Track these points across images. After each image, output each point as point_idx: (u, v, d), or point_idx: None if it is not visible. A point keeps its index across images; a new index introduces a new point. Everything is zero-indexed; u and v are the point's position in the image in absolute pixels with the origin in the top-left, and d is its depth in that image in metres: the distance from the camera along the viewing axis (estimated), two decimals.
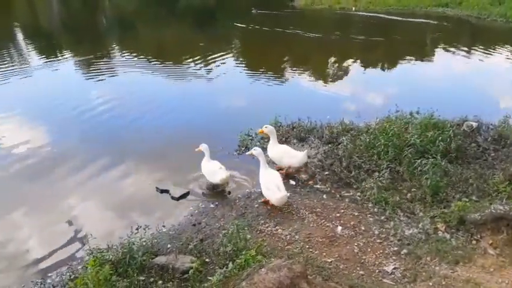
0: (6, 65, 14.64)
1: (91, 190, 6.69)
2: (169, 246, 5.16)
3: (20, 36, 21.81)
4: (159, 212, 6.04)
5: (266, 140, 7.86)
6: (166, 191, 6.44)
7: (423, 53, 17.14)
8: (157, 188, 6.53)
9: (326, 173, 6.86)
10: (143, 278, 4.46)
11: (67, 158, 7.67)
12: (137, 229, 5.54)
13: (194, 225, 5.61)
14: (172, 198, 6.32)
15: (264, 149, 6.81)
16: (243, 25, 21.45)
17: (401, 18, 24.73)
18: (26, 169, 7.37)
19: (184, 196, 6.36)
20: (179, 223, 5.70)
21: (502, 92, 11.94)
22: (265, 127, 6.94)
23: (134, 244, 4.81)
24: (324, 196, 6.17)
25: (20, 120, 9.59)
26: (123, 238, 5.05)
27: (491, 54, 16.94)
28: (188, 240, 5.08)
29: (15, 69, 14.17)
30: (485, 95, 11.85)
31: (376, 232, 5.21)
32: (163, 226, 5.61)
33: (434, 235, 5.06)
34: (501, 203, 4.92)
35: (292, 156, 6.65)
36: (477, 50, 17.53)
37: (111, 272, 4.29)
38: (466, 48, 17.95)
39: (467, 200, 5.74)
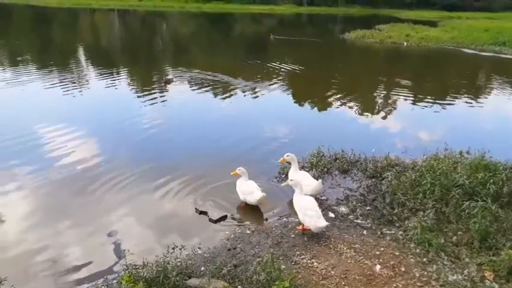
0: (67, 80, 15.60)
1: (133, 207, 6.83)
2: (202, 269, 5.15)
3: (82, 54, 23.26)
4: (196, 234, 6.06)
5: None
6: (205, 213, 6.49)
7: (478, 91, 16.57)
8: (196, 209, 6.60)
9: (368, 208, 6.67)
10: None
11: (115, 174, 7.90)
12: (173, 249, 5.59)
13: (229, 249, 5.57)
14: (210, 220, 6.35)
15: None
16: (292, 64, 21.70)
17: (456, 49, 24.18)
18: (75, 180, 7.66)
19: (221, 219, 6.37)
20: (215, 246, 5.69)
21: None
22: (287, 155, 7.05)
23: (169, 264, 4.84)
24: (364, 232, 5.97)
25: (74, 132, 10.04)
26: (159, 256, 5.09)
27: None
28: (222, 265, 5.05)
29: (75, 84, 15.08)
30: None
31: (417, 275, 4.95)
32: (199, 248, 5.61)
33: (481, 284, 4.73)
34: None
35: (307, 184, 6.55)
36: None
37: None
38: None
39: None
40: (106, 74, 17.06)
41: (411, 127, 11.76)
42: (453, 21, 39.70)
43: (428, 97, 14.81)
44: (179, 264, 5.04)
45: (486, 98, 15.74)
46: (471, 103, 14.59)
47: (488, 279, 4.73)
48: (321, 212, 5.94)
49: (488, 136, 11.08)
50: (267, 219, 6.43)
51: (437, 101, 14.34)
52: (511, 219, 6.11)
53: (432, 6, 66.04)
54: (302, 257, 5.35)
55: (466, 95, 15.40)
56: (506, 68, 22.16)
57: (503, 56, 24.27)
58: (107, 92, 14.33)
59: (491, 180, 6.72)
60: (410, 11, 62.35)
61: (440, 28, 35.40)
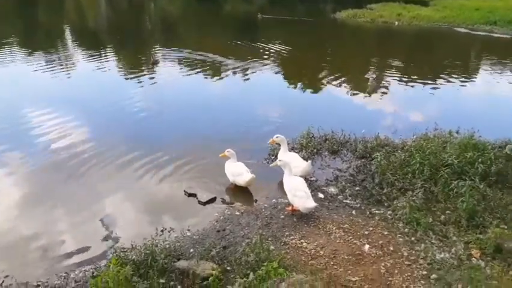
0: (54, 63, 15.29)
1: (122, 190, 6.79)
2: (191, 250, 5.14)
3: (68, 36, 22.79)
4: (185, 216, 6.04)
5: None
6: (194, 195, 6.46)
7: (469, 71, 16.55)
8: (185, 191, 6.56)
9: (357, 188, 6.68)
10: (163, 281, 4.44)
11: (103, 157, 7.82)
12: (162, 231, 5.63)
13: (218, 231, 5.57)
14: (199, 202, 6.32)
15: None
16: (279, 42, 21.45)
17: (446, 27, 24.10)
18: (64, 165, 7.57)
19: (211, 201, 6.36)
20: (204, 228, 5.67)
21: None
22: (277, 137, 7.03)
23: (157, 246, 4.82)
24: (354, 212, 5.98)
25: (63, 116, 9.86)
26: (147, 239, 5.08)
27: None
28: (211, 247, 5.04)
29: (62, 66, 14.79)
30: None
31: (405, 254, 4.99)
32: (188, 230, 5.61)
33: (468, 262, 4.78)
34: None
35: (296, 165, 6.50)
36: None
37: (132, 272, 4.30)
38: (511, 69, 17.26)
39: (505, 227, 5.43)
40: (94, 55, 16.72)
41: (402, 108, 11.72)
42: (445, 0, 39.42)
43: (419, 78, 14.75)
44: (167, 246, 5.02)
45: (477, 77, 15.74)
46: (462, 83, 14.56)
47: (475, 257, 4.78)
48: (311, 192, 5.94)
49: (478, 116, 11.09)
50: (256, 201, 6.42)
51: (428, 82, 14.29)
52: (498, 197, 6.19)
53: None
54: (291, 237, 5.36)
55: (457, 75, 15.34)
56: (498, 47, 22.13)
57: (494, 35, 24.21)
58: (95, 75, 14.06)
59: (480, 160, 6.75)
60: None
61: (432, 7, 35.08)
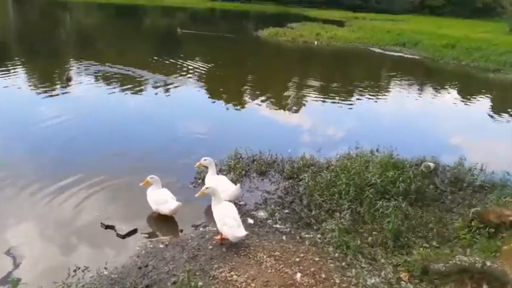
0: None
1: (30, 219, 5.99)
2: None
3: None
4: (102, 251, 5.45)
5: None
6: (112, 227, 5.85)
7: (382, 89, 17.58)
8: (101, 223, 5.91)
9: (286, 211, 6.55)
10: None
11: (11, 180, 6.97)
12: (74, 271, 4.99)
13: (140, 268, 5.05)
14: (118, 235, 5.73)
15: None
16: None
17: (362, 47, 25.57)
18: None
19: (131, 233, 5.79)
20: (124, 265, 5.12)
21: (455, 132, 12.30)
22: (204, 159, 6.71)
23: None
24: (284, 237, 5.81)
25: None
26: (57, 283, 4.45)
27: (442, 95, 17.70)
28: (132, 287, 4.54)
29: None
30: (440, 135, 12.13)
31: (337, 281, 4.89)
32: (105, 268, 5.02)
33: (397, 285, 4.80)
34: (465, 254, 4.76)
35: (225, 189, 6.20)
36: (430, 90, 18.29)
37: None
38: (419, 87, 18.70)
39: (427, 245, 5.61)
40: (0, 70, 15.11)
41: (323, 126, 12.01)
42: (358, 21, 42.08)
43: (338, 96, 15.33)
44: None
45: (389, 95, 16.74)
46: (378, 100, 15.43)
47: (404, 280, 4.82)
48: (241, 218, 5.67)
49: (394, 133, 11.72)
50: (182, 231, 5.99)
51: (346, 100, 14.89)
52: (419, 216, 6.40)
53: (340, 6, 69.45)
54: (221, 270, 5.03)
55: (372, 93, 16.23)
56: (407, 67, 23.93)
57: (404, 55, 26.23)
58: (1, 90, 12.68)
59: (400, 178, 7.00)
60: (319, 10, 64.90)
61: (347, 28, 37.28)
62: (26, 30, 28.72)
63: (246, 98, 14.22)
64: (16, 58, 17.43)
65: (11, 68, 15.46)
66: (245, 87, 15.98)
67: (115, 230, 5.79)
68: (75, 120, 10.38)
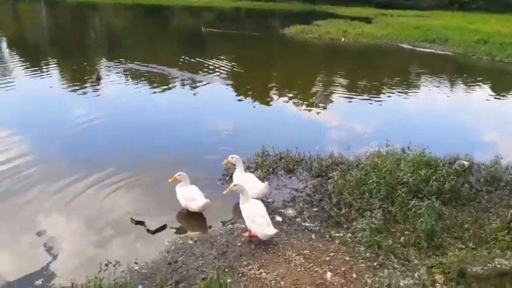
0: None
1: (62, 215, 6.10)
2: (140, 287, 4.63)
3: (4, 48, 21.27)
4: (132, 247, 5.50)
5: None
6: (142, 223, 5.91)
7: (413, 86, 17.16)
8: (131, 219, 5.98)
9: (315, 209, 6.45)
10: None
11: (44, 176, 7.14)
12: (106, 265, 5.06)
13: (169, 263, 5.07)
14: (148, 231, 5.78)
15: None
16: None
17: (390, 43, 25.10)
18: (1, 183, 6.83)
19: (160, 229, 5.83)
20: (154, 260, 5.16)
21: (489, 130, 11.87)
22: (232, 157, 6.69)
23: (100, 286, 4.28)
24: (313, 236, 5.72)
25: (2, 131, 9.04)
26: (90, 277, 4.51)
27: (476, 91, 17.12)
28: (162, 282, 4.57)
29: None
30: (474, 133, 11.74)
31: (369, 281, 4.77)
32: (136, 263, 5.07)
33: (432, 287, 4.65)
34: (505, 257, 4.55)
35: (253, 187, 6.19)
36: (462, 86, 17.73)
37: None
38: (451, 83, 18.15)
39: (463, 247, 5.41)
40: (34, 70, 15.56)
41: (352, 123, 11.80)
42: (386, 18, 41.31)
43: (367, 93, 15.08)
44: (113, 283, 4.48)
45: (420, 91, 16.32)
46: (408, 97, 15.07)
47: (439, 283, 4.65)
48: (269, 215, 5.62)
49: (424, 130, 11.37)
50: (210, 227, 5.99)
51: (375, 96, 14.62)
52: (454, 216, 6.20)
53: (367, 3, 68.39)
54: (250, 267, 4.99)
55: (402, 90, 15.87)
56: (439, 62, 23.33)
57: (435, 51, 25.56)
58: (36, 90, 13.02)
59: (433, 177, 6.79)
60: (346, 7, 64.11)
61: (375, 24, 36.66)
62: (58, 32, 29.53)
63: (273, 95, 14.15)
64: (49, 58, 17.92)
65: (44, 68, 15.92)
66: (272, 84, 15.90)
67: (145, 226, 5.84)
68: (105, 117, 10.59)
